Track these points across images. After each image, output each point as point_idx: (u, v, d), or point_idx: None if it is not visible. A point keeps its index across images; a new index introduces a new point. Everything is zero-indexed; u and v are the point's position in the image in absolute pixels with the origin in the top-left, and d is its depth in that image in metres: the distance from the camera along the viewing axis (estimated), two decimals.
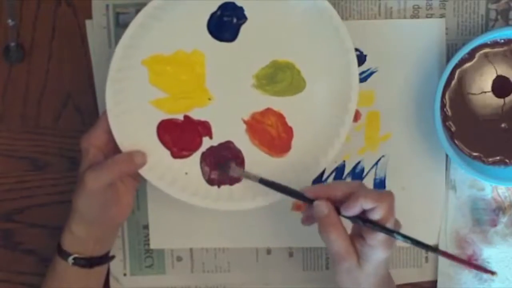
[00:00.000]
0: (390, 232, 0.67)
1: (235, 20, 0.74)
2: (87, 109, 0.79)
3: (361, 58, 0.78)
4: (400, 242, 0.69)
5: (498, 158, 0.78)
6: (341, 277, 0.69)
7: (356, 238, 0.68)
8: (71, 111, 0.80)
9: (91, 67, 0.79)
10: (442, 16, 0.78)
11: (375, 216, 0.66)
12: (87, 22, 0.78)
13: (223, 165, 0.75)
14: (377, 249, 0.67)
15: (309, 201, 0.69)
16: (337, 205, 0.68)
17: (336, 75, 0.75)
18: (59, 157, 0.80)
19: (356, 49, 0.78)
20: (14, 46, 0.78)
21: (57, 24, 0.79)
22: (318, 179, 0.79)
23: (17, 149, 0.80)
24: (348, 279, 0.69)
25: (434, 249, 0.70)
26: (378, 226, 0.67)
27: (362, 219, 0.67)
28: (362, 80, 0.79)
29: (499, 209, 0.80)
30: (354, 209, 0.67)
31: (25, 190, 0.81)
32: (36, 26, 0.79)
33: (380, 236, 0.67)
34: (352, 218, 0.68)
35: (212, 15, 0.74)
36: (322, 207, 0.68)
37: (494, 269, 0.80)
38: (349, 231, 0.69)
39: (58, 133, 0.80)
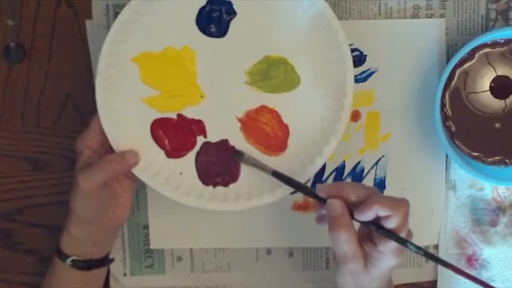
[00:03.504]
0: (403, 241, 0.66)
1: (224, 15, 0.73)
2: (87, 109, 0.79)
3: (361, 58, 0.78)
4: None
5: (498, 158, 0.78)
6: (342, 277, 0.69)
7: (365, 241, 0.68)
8: (71, 111, 0.80)
9: (91, 67, 0.79)
10: (442, 16, 0.78)
11: (390, 224, 0.65)
12: (87, 22, 0.78)
13: (237, 154, 0.74)
14: (387, 256, 0.66)
15: (322, 200, 0.68)
16: (350, 208, 0.67)
17: (330, 70, 0.74)
18: (59, 157, 0.80)
19: (356, 49, 0.78)
20: (14, 46, 0.78)
21: (57, 24, 0.79)
22: (318, 179, 0.79)
23: (17, 149, 0.80)
24: (351, 281, 0.68)
25: (447, 263, 0.67)
26: (392, 234, 0.65)
27: (375, 225, 0.66)
28: (362, 80, 0.79)
29: (499, 209, 0.80)
30: (368, 214, 0.65)
31: (25, 190, 0.81)
32: (36, 26, 0.79)
33: (392, 244, 0.66)
34: (365, 223, 0.67)
35: (201, 10, 0.73)
36: (336, 206, 0.66)
37: (494, 269, 0.80)
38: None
39: (58, 133, 0.80)
